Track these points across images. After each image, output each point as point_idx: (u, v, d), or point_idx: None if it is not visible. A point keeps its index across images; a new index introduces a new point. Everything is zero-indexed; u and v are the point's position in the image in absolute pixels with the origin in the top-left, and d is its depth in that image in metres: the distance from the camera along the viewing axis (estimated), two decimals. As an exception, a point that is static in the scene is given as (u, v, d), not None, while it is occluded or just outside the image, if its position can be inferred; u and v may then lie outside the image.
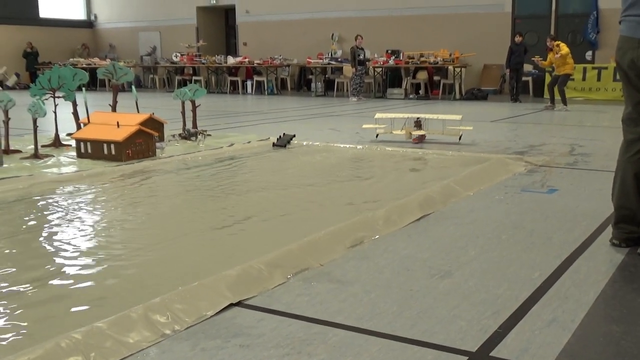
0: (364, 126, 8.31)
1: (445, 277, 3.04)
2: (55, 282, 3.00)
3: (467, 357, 2.23)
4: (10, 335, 2.39)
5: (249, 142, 7.66)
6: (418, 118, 7.91)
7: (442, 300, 2.75)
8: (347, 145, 7.39)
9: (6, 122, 6.82)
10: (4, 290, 2.87)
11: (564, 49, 12.06)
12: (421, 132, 7.76)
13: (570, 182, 5.32)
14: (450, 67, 16.39)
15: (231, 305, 2.69)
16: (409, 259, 3.33)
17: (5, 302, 2.73)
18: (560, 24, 16.53)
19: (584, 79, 15.23)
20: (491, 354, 2.26)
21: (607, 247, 3.49)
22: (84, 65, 19.54)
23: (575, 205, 4.49)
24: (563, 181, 5.34)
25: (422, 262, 3.28)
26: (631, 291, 2.89)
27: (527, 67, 15.74)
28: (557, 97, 12.40)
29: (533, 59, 13.29)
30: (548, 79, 15.04)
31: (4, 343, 2.32)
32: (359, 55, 15.68)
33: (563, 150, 7.07)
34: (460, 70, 16.27)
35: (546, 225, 3.97)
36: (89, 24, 24.88)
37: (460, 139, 7.61)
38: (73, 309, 2.66)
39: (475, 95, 15.82)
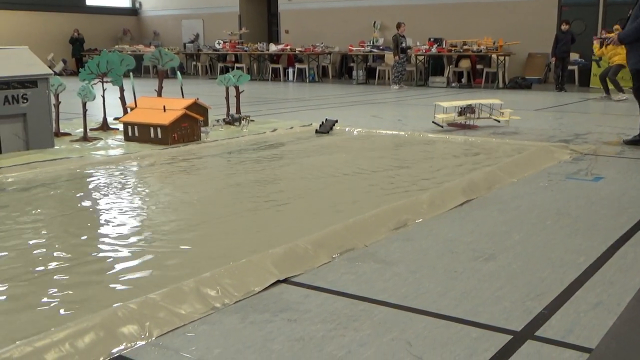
0: (437, 116, 7.78)
1: (489, 260, 3.06)
2: (107, 257, 3.11)
3: (512, 336, 2.26)
4: (67, 306, 2.50)
5: (292, 127, 7.73)
6: (469, 105, 7.89)
7: (486, 282, 2.78)
8: (390, 132, 7.40)
9: (57, 105, 7.01)
10: (61, 268, 2.98)
11: None
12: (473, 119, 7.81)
13: (616, 170, 5.25)
14: (494, 56, 16.18)
15: (278, 282, 2.75)
16: (453, 241, 3.35)
17: (61, 277, 2.85)
18: (609, 12, 16.15)
19: (631, 68, 14.88)
20: (536, 334, 2.28)
21: (655, 235, 3.46)
22: (130, 52, 19.86)
23: (621, 193, 4.44)
24: (609, 169, 5.28)
25: (466, 245, 3.30)
26: (679, 277, 2.87)
27: (574, 56, 15.46)
28: (611, 87, 12.13)
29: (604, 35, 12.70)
30: (595, 68, 14.79)
31: (62, 313, 2.43)
32: (401, 43, 15.60)
33: (609, 139, 6.96)
34: (504, 59, 16.05)
35: (591, 212, 3.94)
36: (133, 12, 25.23)
37: (498, 120, 7.68)
38: (126, 284, 2.75)
39: (519, 84, 15.60)
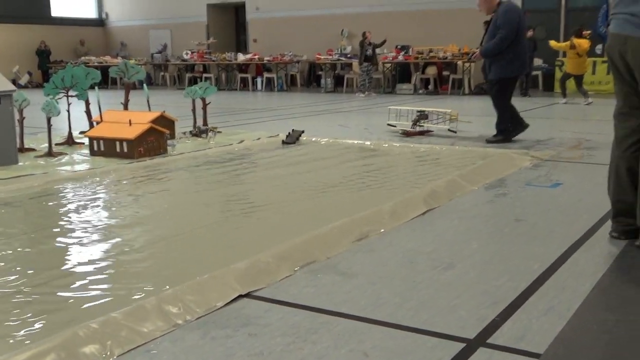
0: (389, 122, 8.59)
1: (447, 269, 3.14)
2: (71, 275, 3.13)
3: (465, 344, 2.34)
4: (29, 327, 2.52)
5: (259, 138, 7.78)
6: (422, 111, 8.21)
7: (443, 291, 2.85)
8: (356, 141, 7.49)
9: (21, 121, 6.97)
10: (23, 288, 2.99)
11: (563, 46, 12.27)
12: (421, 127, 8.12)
13: (574, 176, 5.40)
14: (460, 62, 16.43)
15: (240, 296, 2.80)
16: (413, 251, 3.43)
17: (23, 297, 2.86)
18: (570, 17, 16.50)
19: (593, 72, 15.23)
20: (488, 341, 2.36)
21: (606, 240, 3.57)
22: (96, 64, 19.73)
23: (578, 199, 4.57)
24: (567, 175, 5.42)
25: (426, 254, 3.38)
26: (627, 281, 2.98)
27: (537, 61, 15.78)
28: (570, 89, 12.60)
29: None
30: (558, 73, 15.11)
31: (22, 333, 2.44)
32: (366, 50, 15.75)
33: (569, 144, 7.14)
34: (470, 65, 16.30)
35: (548, 219, 4.06)
36: (100, 22, 25.08)
37: (453, 129, 7.92)
38: (88, 300, 2.77)
39: (485, 90, 15.81)
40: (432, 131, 8.16)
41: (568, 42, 12.43)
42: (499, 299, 2.76)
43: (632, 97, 3.41)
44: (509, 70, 7.18)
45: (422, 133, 8.03)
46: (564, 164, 5.99)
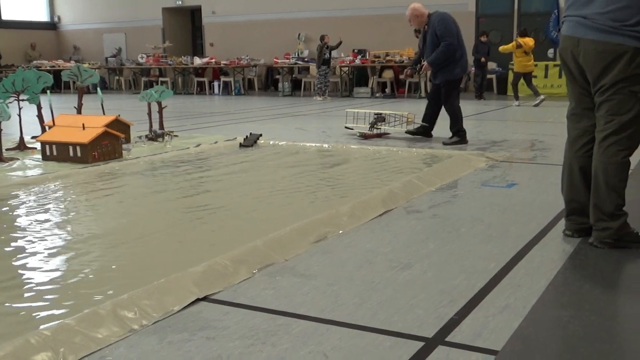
0: (346, 125, 8.69)
1: (405, 269, 3.16)
2: (23, 282, 3.04)
3: (424, 343, 2.35)
4: (-21, 334, 2.44)
5: (216, 142, 7.72)
6: (379, 113, 8.28)
7: (401, 291, 2.87)
8: (313, 144, 7.49)
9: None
10: (-28, 291, 2.90)
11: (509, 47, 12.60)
12: (379, 130, 8.22)
13: (528, 176, 5.49)
14: (401, 77, 16.58)
15: (197, 300, 2.76)
16: (371, 252, 3.44)
17: (-26, 302, 2.77)
18: (523, 22, 16.82)
19: (546, 76, 15.56)
20: (446, 339, 2.37)
21: (560, 238, 3.64)
22: (48, 68, 19.34)
23: (532, 198, 4.65)
24: (522, 176, 5.51)
25: (384, 255, 3.39)
26: (580, 278, 3.04)
27: (491, 65, 16.05)
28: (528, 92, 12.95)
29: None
30: (511, 76, 15.41)
31: (-27, 342, 2.37)
32: (324, 54, 15.80)
33: (523, 145, 7.26)
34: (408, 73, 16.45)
35: (504, 219, 4.11)
36: (52, 26, 24.60)
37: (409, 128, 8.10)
38: (41, 308, 2.70)
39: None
40: (389, 133, 8.23)
41: (514, 43, 12.72)
42: (456, 297, 2.78)
43: (584, 98, 3.48)
44: (454, 73, 7.49)
45: (379, 135, 8.09)
46: (519, 164, 6.09)
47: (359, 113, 8.74)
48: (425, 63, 7.53)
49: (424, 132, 7.95)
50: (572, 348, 2.30)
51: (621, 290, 2.97)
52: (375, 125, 8.13)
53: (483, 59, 14.60)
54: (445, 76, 7.51)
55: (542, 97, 12.55)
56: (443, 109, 7.68)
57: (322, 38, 15.91)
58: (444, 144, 7.40)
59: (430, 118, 7.90)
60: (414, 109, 8.24)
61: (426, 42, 7.54)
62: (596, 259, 3.28)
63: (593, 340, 2.34)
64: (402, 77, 7.87)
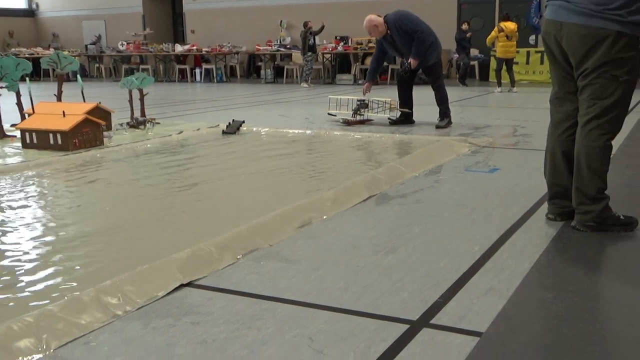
0: (329, 112, 8.70)
1: (389, 253, 3.16)
2: (5, 269, 3.01)
3: (409, 325, 2.35)
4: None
5: (198, 129, 7.67)
6: (362, 100, 8.23)
7: (386, 275, 2.87)
8: (297, 131, 7.47)
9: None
10: (-48, 279, 2.86)
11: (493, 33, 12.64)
12: (362, 116, 8.20)
13: (511, 161, 5.51)
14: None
15: (182, 285, 2.75)
16: (356, 237, 3.44)
17: (-46, 290, 2.74)
18: (504, 8, 16.83)
19: (527, 62, 15.63)
20: (431, 322, 2.38)
21: (543, 222, 3.66)
22: (27, 55, 19.08)
23: (515, 183, 4.67)
24: (504, 161, 5.53)
25: (368, 240, 3.39)
26: (563, 261, 3.06)
27: (474, 52, 16.09)
28: (505, 79, 13.00)
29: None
30: (493, 63, 15.46)
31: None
32: (309, 40, 15.74)
33: (506, 131, 7.29)
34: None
35: (487, 203, 4.13)
36: (30, 13, 24.26)
37: (393, 117, 8.08)
38: (23, 295, 2.68)
39: (423, 80, 15.98)
40: (372, 120, 8.23)
41: (496, 28, 12.77)
42: (441, 280, 2.79)
43: (567, 82, 3.49)
44: (435, 55, 7.79)
45: (362, 122, 8.09)
46: (501, 150, 6.12)
47: (342, 100, 8.72)
48: (411, 60, 7.64)
49: (406, 118, 7.99)
50: (556, 329, 2.32)
51: (603, 272, 2.99)
52: (358, 112, 8.12)
53: (470, 50, 14.66)
54: (432, 60, 7.73)
55: (515, 90, 12.66)
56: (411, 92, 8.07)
57: (305, 24, 15.85)
58: (439, 127, 7.56)
59: (407, 103, 8.04)
60: (397, 96, 8.21)
61: (397, 45, 7.74)
62: (579, 242, 3.31)
63: (576, 321, 2.36)
64: (364, 92, 7.97)
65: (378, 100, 8.38)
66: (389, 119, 8.09)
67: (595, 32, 3.22)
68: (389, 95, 9.29)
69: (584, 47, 3.27)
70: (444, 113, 7.77)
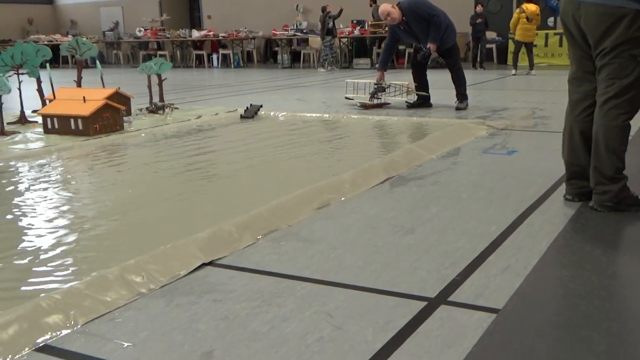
0: (346, 96, 8.69)
1: (407, 234, 3.19)
2: (33, 248, 3.08)
3: (427, 302, 2.39)
4: (-10, 299, 2.48)
5: (217, 114, 7.72)
6: (379, 83, 8.14)
7: (404, 254, 2.90)
8: (314, 115, 7.50)
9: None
10: (-20, 259, 2.94)
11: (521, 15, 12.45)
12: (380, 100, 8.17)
13: (529, 143, 5.51)
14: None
15: (203, 265, 2.81)
16: (374, 218, 3.48)
17: (-17, 269, 2.82)
18: (523, -10, 16.69)
19: (546, 44, 15.47)
20: (449, 299, 2.42)
21: (561, 203, 3.67)
22: (46, 42, 19.23)
23: (532, 165, 4.67)
24: (522, 143, 5.53)
25: (386, 220, 3.42)
26: (581, 240, 3.08)
27: (491, 35, 15.96)
28: (524, 62, 12.91)
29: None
30: (511, 46, 15.35)
31: (-15, 306, 2.41)
32: (328, 24, 15.72)
33: (524, 114, 7.26)
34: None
35: (504, 184, 4.14)
36: (48, 0, 24.41)
37: (410, 100, 8.06)
38: (50, 273, 2.75)
39: (441, 63, 15.90)
40: (389, 103, 8.24)
41: (517, 10, 12.64)
42: (458, 259, 2.82)
43: (585, 62, 3.49)
44: (452, 38, 7.80)
45: (379, 106, 8.10)
46: (519, 132, 6.11)
47: (359, 83, 8.73)
48: (430, 45, 7.60)
49: (423, 101, 8.00)
50: (573, 306, 2.34)
51: (621, 252, 3.01)
52: (375, 95, 8.12)
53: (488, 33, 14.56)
54: (449, 43, 7.76)
55: (533, 73, 12.57)
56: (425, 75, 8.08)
57: (323, 9, 15.81)
58: (459, 109, 7.63)
59: (424, 86, 8.07)
60: (403, 81, 8.21)
61: (413, 32, 7.70)
62: (596, 221, 3.32)
63: (593, 298, 2.38)
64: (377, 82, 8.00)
65: (395, 84, 8.38)
66: (406, 102, 8.11)
67: (613, 11, 3.21)
68: (406, 79, 9.26)
69: (602, 26, 3.26)
70: (463, 95, 7.79)
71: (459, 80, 7.82)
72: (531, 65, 12.71)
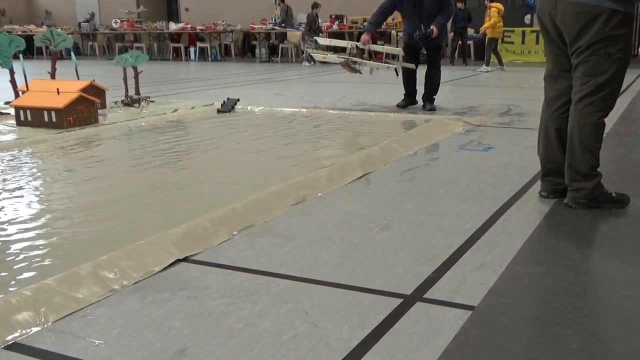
0: (311, 52, 8.18)
1: (383, 230, 3.19)
2: (1, 243, 3.02)
3: (402, 299, 2.38)
4: (-42, 295, 2.43)
5: (193, 107, 7.66)
6: (359, 47, 7.64)
7: (380, 250, 2.90)
8: (292, 109, 7.46)
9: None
10: (-51, 254, 2.88)
11: (494, 14, 12.55)
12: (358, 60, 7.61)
13: (505, 140, 5.54)
14: (394, 32, 16.52)
15: (178, 261, 2.77)
16: (350, 214, 3.47)
17: (-48, 265, 2.76)
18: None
19: (523, 42, 15.59)
20: (425, 296, 2.41)
21: (536, 199, 3.69)
22: (19, 33, 18.92)
23: (508, 161, 4.70)
24: (498, 139, 5.56)
25: (363, 216, 3.42)
26: (555, 237, 3.09)
27: (470, 31, 16.03)
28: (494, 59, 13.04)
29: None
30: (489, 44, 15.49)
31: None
32: (316, 23, 15.70)
33: (500, 110, 7.31)
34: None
35: (480, 181, 4.16)
36: (23, -10, 24.03)
37: (397, 72, 7.58)
38: (20, 270, 2.69)
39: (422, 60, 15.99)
40: (360, 72, 7.91)
41: (497, 12, 12.75)
42: (434, 256, 2.82)
43: (561, 60, 3.51)
44: (444, 36, 7.68)
45: (357, 70, 7.77)
46: (496, 129, 6.14)
47: (330, 45, 8.10)
48: (434, 27, 7.09)
49: (411, 101, 7.70)
50: (547, 302, 2.36)
51: (595, 248, 3.03)
52: (353, 60, 7.57)
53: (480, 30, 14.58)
54: (441, 40, 7.55)
55: (489, 69, 12.80)
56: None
57: (315, 6, 15.72)
58: (433, 110, 7.30)
59: (412, 91, 7.67)
60: (392, 76, 8.17)
61: (420, 9, 7.15)
62: (571, 218, 3.34)
63: (567, 295, 2.39)
64: (363, 44, 7.27)
65: (377, 51, 7.80)
66: (397, 104, 7.61)
67: (589, 9, 3.23)
68: (383, 75, 9.23)
69: (578, 24, 3.28)
70: (433, 99, 7.50)
71: (435, 86, 7.47)
72: (501, 61, 13.09)
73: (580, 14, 3.26)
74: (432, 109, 7.34)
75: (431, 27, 7.11)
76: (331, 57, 7.91)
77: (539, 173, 3.80)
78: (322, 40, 7.95)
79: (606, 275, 2.67)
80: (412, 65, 7.46)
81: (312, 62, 15.63)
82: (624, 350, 2.01)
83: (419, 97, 7.67)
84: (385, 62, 7.65)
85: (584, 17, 3.25)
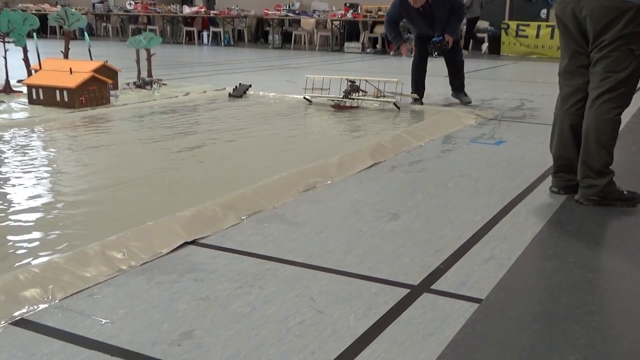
0: (305, 96, 7.18)
1: (392, 220, 3.18)
2: (10, 224, 3.04)
3: (410, 290, 2.38)
4: (-33, 270, 2.44)
5: (205, 91, 7.65)
6: (353, 81, 6.93)
7: (388, 240, 2.89)
8: (303, 96, 7.43)
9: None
10: (-41, 229, 2.89)
11: None
12: (348, 100, 6.81)
13: (517, 134, 5.50)
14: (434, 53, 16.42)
15: (185, 243, 2.77)
16: (359, 203, 3.46)
17: (-39, 240, 2.77)
18: (517, -19, 16.68)
19: (537, 36, 15.46)
20: (432, 287, 2.41)
21: (547, 194, 3.67)
22: (34, 12, 18.95)
23: (520, 155, 4.67)
24: (510, 133, 5.52)
25: (371, 205, 3.41)
26: (565, 232, 3.08)
27: (483, 24, 15.93)
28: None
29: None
30: (504, 36, 15.43)
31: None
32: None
33: (513, 104, 7.26)
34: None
35: (491, 174, 4.14)
36: (38, -31, 23.99)
37: (397, 106, 6.73)
38: (30, 247, 2.70)
39: (438, 53, 15.90)
40: (360, 107, 6.93)
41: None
42: (443, 247, 2.81)
43: (579, 56, 3.47)
44: (459, 30, 7.52)
45: (355, 107, 6.82)
46: (508, 122, 6.10)
47: (322, 81, 7.17)
48: (448, 37, 6.88)
49: (415, 101, 7.23)
50: (554, 297, 2.34)
51: (604, 245, 3.01)
52: (349, 95, 6.81)
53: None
54: (458, 35, 7.34)
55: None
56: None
57: None
58: (465, 103, 7.10)
59: (421, 88, 7.25)
60: (405, 66, 8.11)
61: (428, 17, 6.91)
62: (581, 215, 3.32)
63: (575, 291, 2.38)
64: (406, 54, 7.00)
65: (370, 83, 7.08)
66: (394, 103, 6.75)
67: (618, 4, 3.21)
68: (396, 66, 9.20)
69: (605, 19, 3.25)
70: (463, 88, 7.28)
71: (461, 72, 7.25)
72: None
73: (608, 8, 3.23)
74: (469, 102, 7.14)
75: (446, 38, 6.90)
76: (320, 99, 7.05)
77: (550, 168, 3.77)
78: (310, 77, 7.17)
79: (615, 273, 2.65)
80: (415, 96, 7.11)
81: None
82: (631, 348, 2.00)
83: (441, 90, 7.47)
84: (382, 98, 6.92)
85: (612, 12, 3.22)
